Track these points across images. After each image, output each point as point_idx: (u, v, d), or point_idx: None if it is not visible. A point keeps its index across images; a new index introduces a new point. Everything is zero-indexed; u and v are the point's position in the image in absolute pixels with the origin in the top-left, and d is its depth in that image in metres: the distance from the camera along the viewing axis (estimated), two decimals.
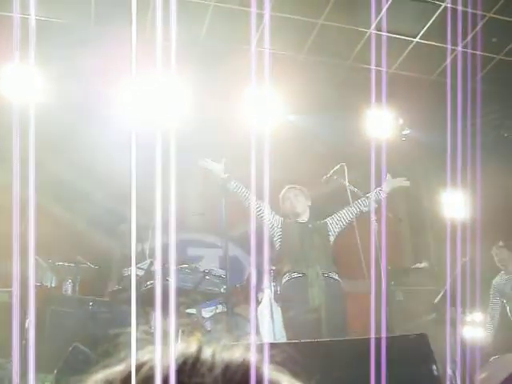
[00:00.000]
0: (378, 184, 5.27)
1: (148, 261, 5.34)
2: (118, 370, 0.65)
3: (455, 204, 6.67)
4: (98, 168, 6.71)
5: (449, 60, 6.03)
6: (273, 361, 0.66)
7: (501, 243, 6.13)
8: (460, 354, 4.73)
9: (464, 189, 6.06)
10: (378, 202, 5.23)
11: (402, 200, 8.47)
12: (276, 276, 5.48)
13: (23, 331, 4.26)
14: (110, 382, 0.63)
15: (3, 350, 4.07)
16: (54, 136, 5.91)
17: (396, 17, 5.89)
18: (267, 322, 5.28)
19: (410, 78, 7.06)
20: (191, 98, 6.00)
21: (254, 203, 4.91)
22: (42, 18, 5.59)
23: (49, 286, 5.71)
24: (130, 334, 0.76)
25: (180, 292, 4.70)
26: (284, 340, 4.83)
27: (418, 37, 6.42)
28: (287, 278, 4.97)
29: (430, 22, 6.13)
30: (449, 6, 5.43)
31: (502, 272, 6.16)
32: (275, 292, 5.54)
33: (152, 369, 0.63)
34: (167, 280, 4.15)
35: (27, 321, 4.49)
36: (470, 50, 5.99)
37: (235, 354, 0.65)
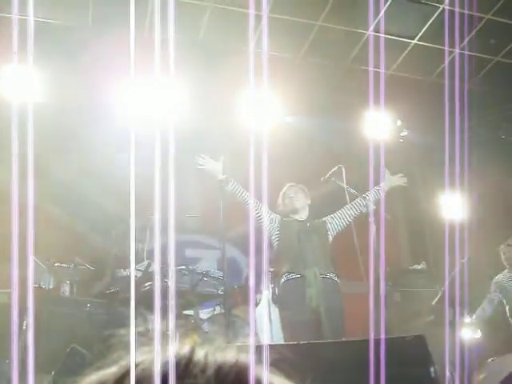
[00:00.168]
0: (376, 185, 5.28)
1: (146, 262, 5.34)
2: (110, 371, 0.65)
3: (453, 205, 6.67)
4: (96, 169, 6.71)
5: (447, 62, 6.04)
6: (267, 362, 0.67)
7: (510, 241, 6.13)
8: (458, 355, 4.73)
9: (462, 190, 6.07)
10: (377, 200, 5.23)
11: (399, 201, 8.48)
12: (274, 277, 5.48)
13: (21, 332, 4.25)
14: (103, 383, 0.64)
15: (1, 351, 4.07)
16: (52, 137, 5.91)
17: (394, 19, 5.90)
18: (265, 324, 5.28)
19: (408, 80, 7.07)
20: (189, 99, 6.00)
21: (252, 203, 4.91)
22: (41, 19, 5.59)
23: (46, 288, 5.70)
24: (124, 335, 0.76)
25: (177, 293, 4.70)
26: (282, 341, 4.82)
27: (416, 38, 6.43)
28: (285, 279, 4.97)
29: (428, 23, 6.14)
30: (447, 7, 5.44)
31: (506, 270, 6.16)
32: (273, 293, 5.54)
33: (145, 370, 0.63)
34: (165, 281, 4.16)
35: (25, 322, 4.49)
36: (467, 52, 6.01)
37: (228, 355, 0.65)
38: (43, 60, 5.07)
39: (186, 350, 0.66)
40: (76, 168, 6.85)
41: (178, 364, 0.63)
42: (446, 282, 5.45)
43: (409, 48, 6.57)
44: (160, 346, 0.66)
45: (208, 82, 6.50)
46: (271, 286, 5.59)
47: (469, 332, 5.79)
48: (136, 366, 0.64)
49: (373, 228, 4.91)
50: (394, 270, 7.06)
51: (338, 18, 6.06)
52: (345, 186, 5.24)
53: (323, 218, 5.23)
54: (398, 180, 5.53)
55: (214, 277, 5.36)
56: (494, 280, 6.17)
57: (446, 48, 5.71)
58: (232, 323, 5.06)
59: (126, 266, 5.70)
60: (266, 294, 5.52)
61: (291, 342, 4.14)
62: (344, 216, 5.20)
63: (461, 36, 5.50)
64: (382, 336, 3.32)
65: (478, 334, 5.86)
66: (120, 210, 5.78)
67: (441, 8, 5.83)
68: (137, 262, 5.41)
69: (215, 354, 0.65)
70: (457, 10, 5.11)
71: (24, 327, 4.46)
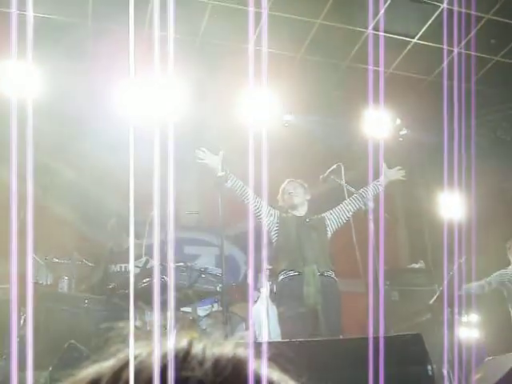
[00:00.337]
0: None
1: (144, 258, 5.34)
2: (107, 365, 0.65)
3: (452, 204, 6.67)
4: (95, 164, 6.71)
5: (446, 61, 6.04)
6: (264, 357, 0.67)
7: None
8: (456, 354, 4.74)
9: (461, 189, 6.08)
10: (376, 195, 5.23)
11: (398, 200, 8.48)
12: (272, 275, 5.48)
13: (19, 328, 4.25)
14: (100, 376, 0.64)
15: None
16: (51, 133, 5.90)
17: (394, 17, 5.91)
18: (263, 321, 5.28)
19: (408, 79, 7.07)
20: (188, 96, 6.00)
21: (251, 199, 4.91)
22: (40, 15, 5.58)
23: (44, 284, 5.70)
24: (122, 329, 0.76)
25: (175, 290, 4.70)
26: (279, 339, 4.83)
27: (416, 37, 6.43)
28: (283, 277, 4.97)
29: (429, 23, 6.14)
30: (446, 7, 5.44)
31: (511, 266, 6.18)
32: (271, 291, 5.54)
33: (141, 363, 0.63)
34: (163, 278, 4.16)
35: (22, 318, 4.49)
36: (467, 52, 6.01)
37: (226, 349, 0.66)
38: (42, 56, 5.07)
39: (183, 343, 0.66)
40: (75, 164, 6.85)
41: (175, 356, 0.64)
42: (445, 281, 5.46)
43: (408, 47, 6.57)
44: (158, 339, 0.67)
45: (208, 79, 6.50)
46: (269, 283, 5.59)
47: (466, 331, 5.81)
48: (134, 358, 0.64)
49: (371, 226, 4.91)
50: (392, 268, 7.07)
51: (337, 17, 6.06)
52: (344, 184, 5.24)
53: (322, 214, 5.23)
54: (397, 174, 5.53)
55: (212, 274, 5.35)
56: (498, 273, 6.16)
57: (446, 47, 5.71)
58: (230, 320, 5.06)
59: (122, 261, 5.71)
60: (264, 291, 5.52)
61: (289, 340, 4.15)
62: (343, 211, 5.20)
63: (460, 35, 5.50)
64: (380, 334, 3.32)
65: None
66: (119, 205, 5.79)
67: (441, 7, 5.82)
68: (135, 258, 5.41)
69: (213, 347, 0.65)
70: (456, 9, 5.11)
71: (22, 323, 4.46)
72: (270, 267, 5.55)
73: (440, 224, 5.60)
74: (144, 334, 0.70)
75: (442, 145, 4.19)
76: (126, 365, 0.64)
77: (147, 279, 4.77)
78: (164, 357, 0.63)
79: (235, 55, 5.82)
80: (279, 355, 0.69)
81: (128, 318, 0.88)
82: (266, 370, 0.65)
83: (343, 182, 5.25)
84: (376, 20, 5.73)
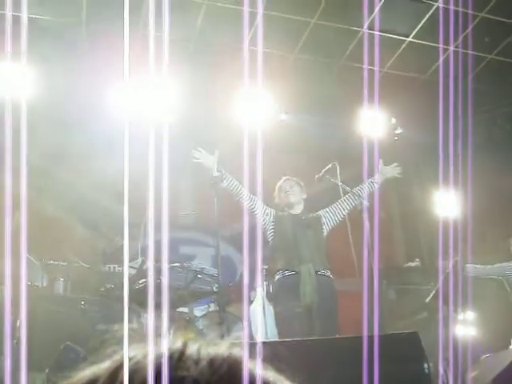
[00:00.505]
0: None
1: (140, 259, 5.34)
2: (103, 366, 0.65)
3: (447, 203, 6.69)
4: (90, 166, 6.70)
5: (441, 59, 6.05)
6: (260, 357, 0.67)
7: None
8: (452, 352, 4.74)
9: (456, 187, 6.08)
10: (372, 193, 5.23)
11: (394, 199, 8.49)
12: (268, 274, 5.48)
13: (15, 330, 4.24)
14: (97, 378, 0.64)
15: None
16: (46, 134, 5.88)
17: (389, 16, 5.91)
18: (259, 321, 5.28)
19: (403, 78, 7.08)
20: (183, 96, 5.99)
21: (246, 198, 4.90)
22: (34, 16, 5.57)
23: (40, 286, 5.68)
24: (118, 331, 0.76)
25: (171, 291, 4.69)
26: (276, 339, 4.82)
27: (411, 36, 6.43)
28: (279, 276, 4.97)
29: (423, 21, 6.15)
30: (441, 5, 5.45)
31: None
32: (267, 290, 5.54)
33: (136, 364, 0.63)
34: (159, 279, 4.15)
35: (18, 320, 4.48)
36: (462, 50, 6.02)
37: (221, 349, 0.66)
38: (37, 58, 5.06)
39: (179, 343, 0.66)
40: (70, 165, 6.83)
41: (170, 356, 0.64)
42: (440, 279, 5.46)
43: (403, 46, 6.58)
44: (153, 340, 0.67)
45: (203, 78, 6.49)
46: (265, 283, 5.59)
47: (463, 329, 5.81)
48: (129, 359, 0.64)
49: (367, 225, 4.91)
50: (388, 267, 7.08)
51: (332, 16, 6.06)
52: (339, 183, 5.24)
53: (318, 212, 5.22)
54: (392, 170, 5.53)
55: (208, 274, 5.35)
56: (500, 264, 6.15)
57: (441, 45, 5.72)
58: (226, 320, 5.06)
59: (118, 262, 5.70)
60: (260, 291, 5.52)
61: (285, 339, 4.15)
62: (339, 209, 5.19)
63: (455, 34, 5.50)
64: (376, 333, 3.32)
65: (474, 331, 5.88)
66: (114, 206, 5.78)
67: (435, 6, 5.83)
68: (131, 259, 5.40)
69: (208, 347, 0.65)
70: (451, 7, 5.11)
71: (18, 325, 4.45)
72: (266, 267, 5.55)
73: (436, 223, 5.60)
74: (140, 335, 0.70)
75: (438, 143, 4.19)
76: (122, 366, 0.63)
77: (143, 280, 4.77)
78: (159, 357, 0.63)
79: (230, 54, 5.82)
80: (274, 355, 0.69)
81: (126, 320, 0.88)
82: (261, 369, 0.65)
83: (338, 181, 5.25)
84: (370, 19, 5.74)
